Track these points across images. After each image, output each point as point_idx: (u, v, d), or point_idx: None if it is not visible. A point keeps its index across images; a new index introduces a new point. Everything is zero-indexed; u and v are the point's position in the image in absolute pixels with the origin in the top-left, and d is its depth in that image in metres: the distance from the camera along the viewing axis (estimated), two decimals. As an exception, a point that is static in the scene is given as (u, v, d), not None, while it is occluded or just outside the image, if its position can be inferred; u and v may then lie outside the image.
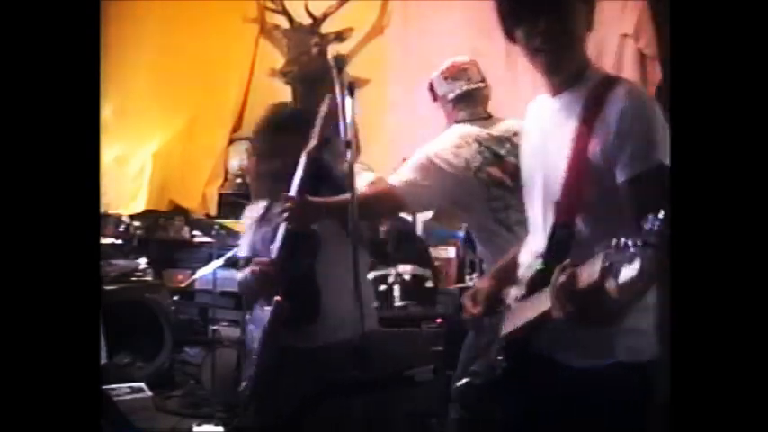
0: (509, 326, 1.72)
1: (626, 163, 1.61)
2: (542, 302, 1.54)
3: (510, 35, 1.76)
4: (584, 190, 1.65)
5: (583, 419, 1.63)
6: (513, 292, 1.78)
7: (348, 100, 2.23)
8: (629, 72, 4.70)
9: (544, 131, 1.79)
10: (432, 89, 2.93)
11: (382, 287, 4.11)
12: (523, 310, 1.67)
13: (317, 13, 5.03)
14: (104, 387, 3.86)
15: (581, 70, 1.75)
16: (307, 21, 5.07)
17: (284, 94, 5.14)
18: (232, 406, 4.04)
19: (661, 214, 1.22)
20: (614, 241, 1.28)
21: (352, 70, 4.94)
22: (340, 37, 5.00)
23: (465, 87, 2.82)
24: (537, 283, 1.65)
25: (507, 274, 1.88)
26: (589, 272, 1.39)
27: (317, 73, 5.04)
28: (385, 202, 2.56)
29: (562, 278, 1.45)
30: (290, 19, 5.13)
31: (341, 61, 2.91)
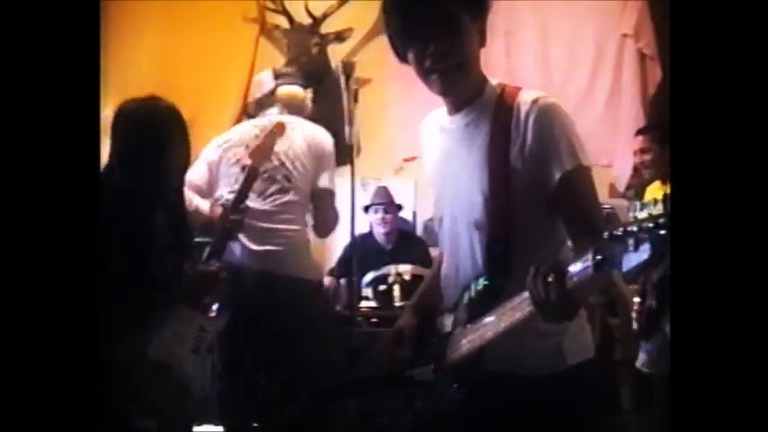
0: (459, 352, 1.65)
1: (555, 164, 1.61)
2: (509, 315, 1.49)
3: (401, 57, 1.73)
4: (510, 201, 1.65)
5: (548, 426, 1.64)
6: (450, 320, 1.73)
7: (354, 105, 2.35)
8: (630, 72, 4.71)
9: (447, 151, 1.78)
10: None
11: (382, 287, 4.12)
12: (479, 331, 1.59)
13: (317, 13, 5.03)
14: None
15: (479, 86, 1.73)
16: (307, 21, 5.07)
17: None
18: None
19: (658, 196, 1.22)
20: (606, 234, 1.25)
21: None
22: (340, 37, 5.00)
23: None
24: (481, 302, 1.63)
25: (430, 307, 1.84)
26: (578, 269, 1.33)
27: (317, 73, 5.05)
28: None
29: (550, 279, 1.38)
30: (290, 19, 5.13)
31: (349, 67, 3.02)
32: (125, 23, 5.08)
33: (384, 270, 4.14)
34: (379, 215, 4.53)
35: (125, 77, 4.94)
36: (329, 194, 3.25)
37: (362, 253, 4.26)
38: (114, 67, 4.62)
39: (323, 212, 3.25)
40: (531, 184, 1.64)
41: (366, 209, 4.55)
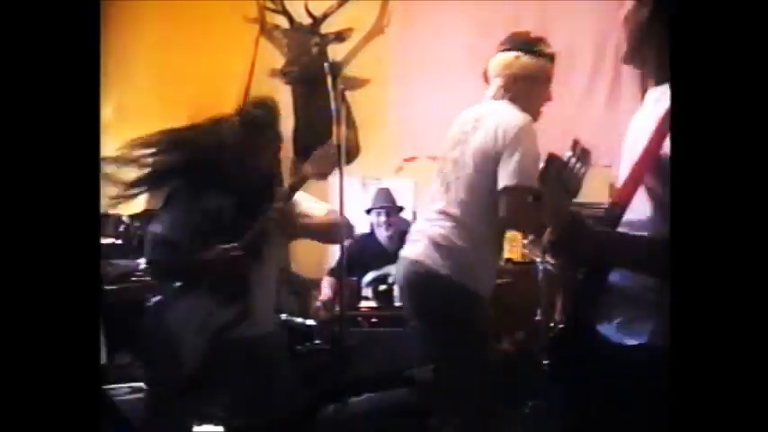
0: None
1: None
2: None
3: None
4: (644, 183, 1.67)
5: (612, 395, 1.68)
6: None
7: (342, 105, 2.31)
8: (630, 72, 4.70)
9: (636, 119, 1.84)
10: None
11: (382, 287, 4.12)
12: None
13: (317, 13, 5.02)
14: (104, 387, 3.86)
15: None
16: (307, 21, 5.06)
17: (284, 94, 5.14)
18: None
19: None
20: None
21: (352, 70, 4.95)
22: (340, 37, 5.00)
23: None
24: None
25: None
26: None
27: (317, 73, 5.04)
28: None
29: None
30: (290, 19, 5.12)
31: (336, 67, 2.97)
32: (125, 23, 5.09)
33: (384, 270, 4.14)
34: (382, 218, 4.52)
35: (125, 77, 4.95)
36: (509, 191, 2.73)
37: (365, 254, 4.26)
38: (114, 67, 4.63)
39: (507, 208, 2.73)
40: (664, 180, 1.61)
41: (368, 211, 4.56)
